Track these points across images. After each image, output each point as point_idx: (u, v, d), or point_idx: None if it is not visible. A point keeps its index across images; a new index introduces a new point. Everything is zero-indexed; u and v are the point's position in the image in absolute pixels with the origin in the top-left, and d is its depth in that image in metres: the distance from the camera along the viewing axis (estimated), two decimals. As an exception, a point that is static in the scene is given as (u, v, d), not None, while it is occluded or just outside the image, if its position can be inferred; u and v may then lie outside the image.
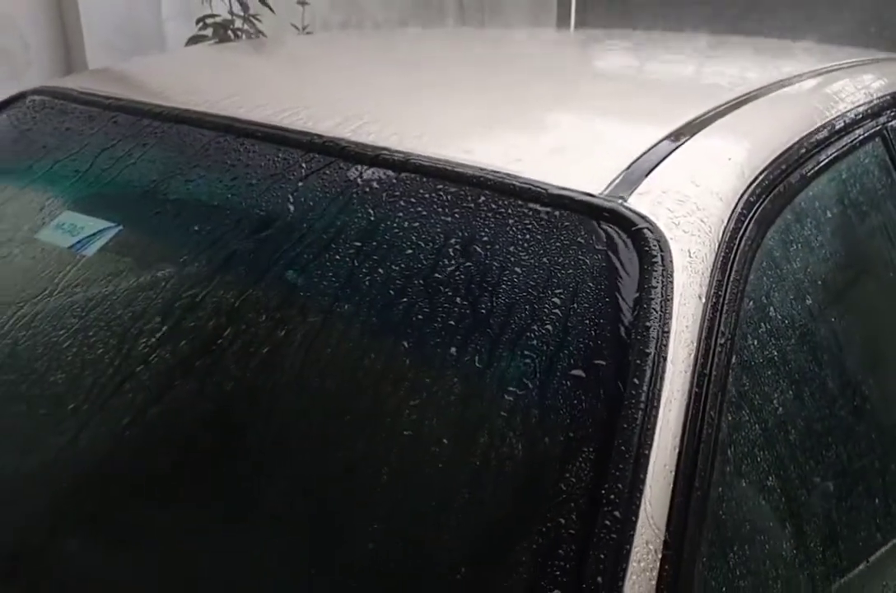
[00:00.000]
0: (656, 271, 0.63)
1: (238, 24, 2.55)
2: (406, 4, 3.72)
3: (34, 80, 2.46)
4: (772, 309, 0.71)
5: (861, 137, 1.00)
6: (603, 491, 0.52)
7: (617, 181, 0.72)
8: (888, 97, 1.13)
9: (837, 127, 0.97)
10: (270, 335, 0.71)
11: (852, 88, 1.13)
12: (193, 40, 2.48)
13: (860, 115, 1.03)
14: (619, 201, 0.69)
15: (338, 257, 0.70)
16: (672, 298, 0.61)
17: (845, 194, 0.91)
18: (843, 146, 0.95)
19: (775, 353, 0.69)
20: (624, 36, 1.87)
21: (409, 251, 0.69)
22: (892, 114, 1.12)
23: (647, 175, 0.73)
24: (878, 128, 1.05)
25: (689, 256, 0.65)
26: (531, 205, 0.70)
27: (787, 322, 0.72)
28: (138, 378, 0.73)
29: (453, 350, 0.64)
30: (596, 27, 3.77)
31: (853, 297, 0.87)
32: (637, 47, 1.63)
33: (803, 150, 0.83)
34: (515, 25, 3.84)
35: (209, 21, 2.49)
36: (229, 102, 0.93)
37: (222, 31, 2.47)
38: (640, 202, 0.69)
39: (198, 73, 1.16)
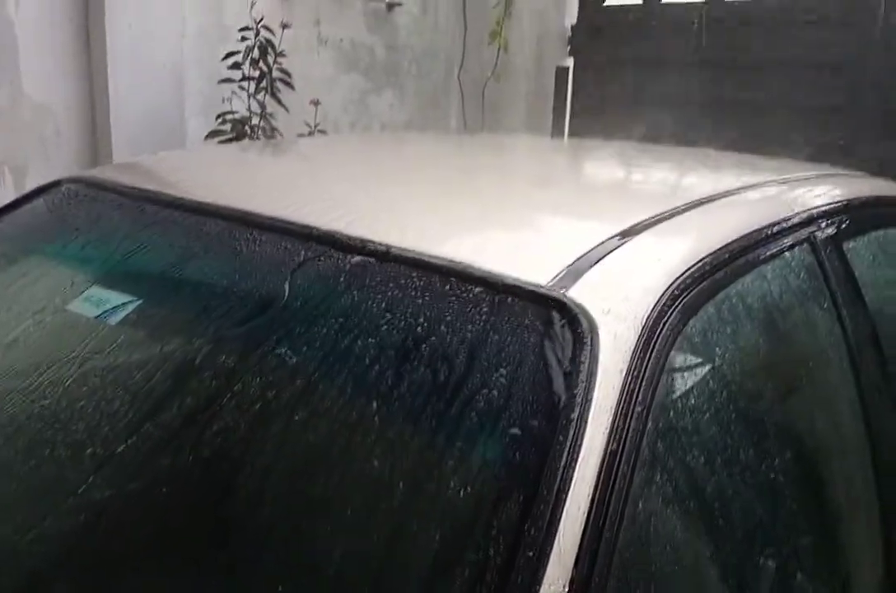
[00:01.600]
0: (586, 350, 0.76)
1: (255, 120, 2.78)
2: (412, 106, 4.01)
3: (63, 163, 2.68)
4: (689, 385, 0.84)
5: (789, 244, 1.15)
6: (525, 527, 0.63)
7: (562, 274, 0.85)
8: (822, 209, 1.28)
9: (766, 234, 1.11)
10: (270, 400, 0.84)
11: (788, 200, 1.28)
12: (212, 134, 2.70)
13: (790, 224, 1.17)
14: (562, 291, 0.82)
15: (325, 331, 0.84)
16: (597, 372, 0.74)
17: (768, 293, 1.05)
18: (770, 251, 1.09)
19: (689, 423, 0.81)
20: (603, 146, 2.06)
21: (386, 327, 0.83)
22: (823, 224, 1.27)
23: (588, 269, 0.87)
24: (806, 236, 1.20)
25: (615, 338, 0.78)
26: (489, 292, 0.84)
27: (702, 397, 0.85)
28: (152, 431, 0.85)
29: (417, 410, 0.77)
30: (588, 126, 4.03)
31: (766, 380, 0.99)
32: (610, 157, 1.82)
33: (727, 255, 0.97)
34: (512, 125, 4.11)
35: (228, 117, 2.73)
36: (242, 197, 1.09)
37: (240, 127, 2.70)
38: (579, 293, 0.82)
39: (216, 170, 1.33)
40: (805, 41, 3.45)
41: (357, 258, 0.90)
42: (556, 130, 4.19)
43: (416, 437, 0.74)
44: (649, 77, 3.91)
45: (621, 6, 4.07)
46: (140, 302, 0.95)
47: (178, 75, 2.75)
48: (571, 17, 4.19)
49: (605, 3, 4.13)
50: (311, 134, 2.93)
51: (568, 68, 4.21)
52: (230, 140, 2.70)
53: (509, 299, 0.82)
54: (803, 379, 1.07)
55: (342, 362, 0.81)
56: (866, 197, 1.50)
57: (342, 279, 0.88)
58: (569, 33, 4.21)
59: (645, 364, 0.78)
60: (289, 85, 2.81)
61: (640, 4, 4.00)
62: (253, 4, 2.77)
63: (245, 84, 2.75)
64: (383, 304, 0.84)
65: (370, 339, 0.82)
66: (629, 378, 0.76)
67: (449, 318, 0.82)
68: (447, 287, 0.85)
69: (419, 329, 0.81)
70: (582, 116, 4.17)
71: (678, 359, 0.83)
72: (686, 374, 0.84)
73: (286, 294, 0.87)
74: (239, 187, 1.16)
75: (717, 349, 0.91)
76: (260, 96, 2.78)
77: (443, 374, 0.77)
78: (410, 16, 3.87)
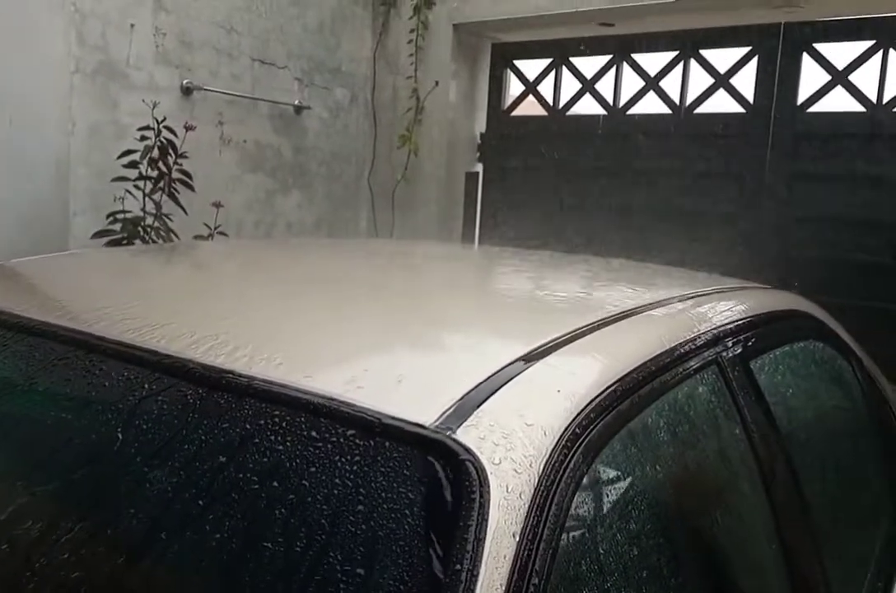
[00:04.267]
0: (473, 508, 0.64)
1: (149, 221, 2.64)
2: (322, 207, 3.96)
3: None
4: (594, 542, 0.72)
5: (696, 366, 1.08)
6: None
7: (449, 412, 0.74)
8: (728, 327, 1.24)
9: (675, 356, 1.04)
10: (89, 579, 0.68)
11: (695, 319, 1.23)
12: (100, 234, 2.54)
13: (697, 345, 1.11)
14: (448, 433, 0.71)
15: (162, 488, 0.69)
16: (485, 538, 0.62)
17: (676, 421, 0.97)
18: (678, 374, 1.02)
19: (596, 588, 0.69)
20: (509, 255, 2.02)
21: (238, 483, 0.69)
22: (730, 342, 1.21)
23: (478, 406, 0.76)
24: (713, 357, 1.13)
25: (507, 492, 0.66)
26: (364, 434, 0.72)
27: (610, 555, 0.73)
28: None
29: (271, 585, 0.63)
30: (498, 231, 4.07)
31: (684, 526, 0.89)
32: (516, 268, 1.76)
33: (632, 383, 0.88)
34: (423, 228, 4.11)
35: (119, 216, 2.58)
36: (93, 315, 0.95)
37: (131, 228, 2.55)
38: (467, 435, 0.71)
39: (76, 281, 1.18)
40: (703, 152, 3.61)
41: (212, 393, 0.77)
42: (467, 235, 4.20)
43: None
44: (556, 184, 4.01)
45: (528, 116, 4.21)
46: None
47: (63, 172, 2.61)
48: (480, 125, 4.30)
49: (513, 114, 4.26)
50: (210, 236, 2.81)
51: (478, 174, 4.28)
52: (121, 240, 2.54)
53: (386, 444, 0.70)
54: (718, 517, 0.98)
55: (182, 529, 0.67)
56: (771, 311, 1.47)
57: (190, 419, 0.74)
58: (478, 140, 4.30)
59: (543, 523, 0.66)
60: (189, 186, 2.70)
61: (545, 115, 4.14)
62: (156, 104, 2.70)
63: (141, 183, 2.63)
64: (236, 453, 0.71)
65: (219, 499, 0.68)
66: (524, 542, 0.64)
67: (313, 470, 0.69)
68: (314, 429, 0.72)
69: (277, 484, 0.68)
70: (492, 222, 4.21)
71: (580, 511, 0.72)
72: (590, 530, 0.73)
73: (119, 439, 0.73)
74: (95, 304, 1.02)
75: (624, 493, 0.81)
76: (156, 196, 2.65)
77: (297, 546, 0.63)
78: (319, 119, 3.88)
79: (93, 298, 1.06)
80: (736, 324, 1.27)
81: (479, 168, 4.30)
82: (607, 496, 0.78)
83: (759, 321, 1.36)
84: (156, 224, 2.62)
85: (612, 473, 0.81)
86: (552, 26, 3.84)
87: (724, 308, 1.35)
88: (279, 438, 0.72)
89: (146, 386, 0.79)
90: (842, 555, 1.37)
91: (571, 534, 0.70)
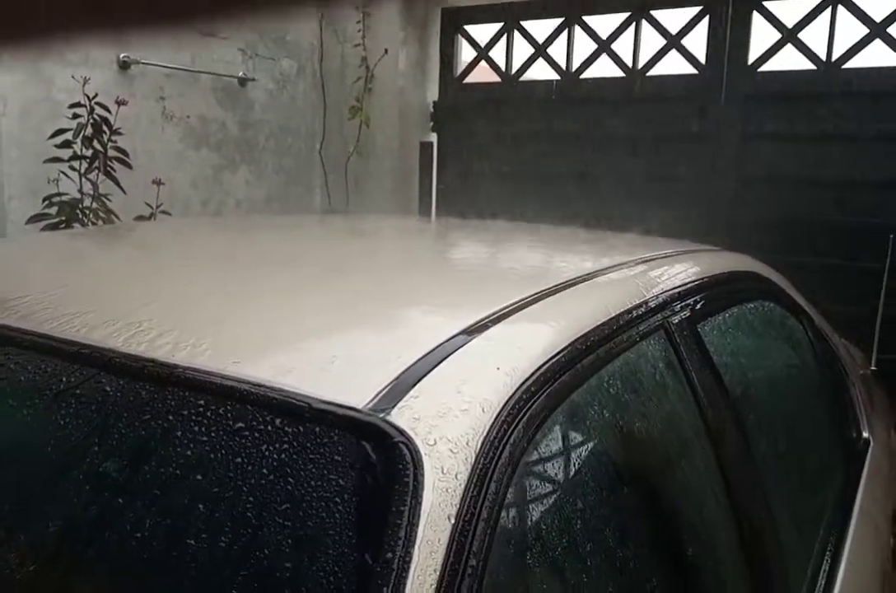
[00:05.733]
0: (406, 492, 0.62)
1: (87, 202, 2.55)
2: (272, 183, 3.88)
3: None
4: (537, 519, 0.71)
5: (643, 332, 1.06)
6: None
7: (383, 393, 0.72)
8: (675, 291, 1.22)
9: (620, 323, 1.02)
10: None
11: (642, 284, 1.21)
12: (35, 218, 2.45)
13: (644, 311, 1.09)
14: (381, 415, 0.68)
15: (80, 483, 0.66)
16: (419, 522, 0.60)
17: (623, 390, 0.95)
18: (623, 342, 1.00)
19: (537, 571, 0.68)
20: (461, 226, 1.99)
21: (157, 474, 0.66)
22: (677, 307, 1.20)
23: (413, 385, 0.73)
24: (660, 322, 1.12)
25: (443, 473, 0.64)
26: (293, 420, 0.69)
27: (554, 530, 0.72)
28: None
29: (199, 578, 0.60)
30: (454, 201, 4.02)
31: (631, 495, 0.88)
32: (467, 238, 1.73)
33: (572, 355, 0.86)
34: (378, 200, 4.05)
35: (55, 200, 2.49)
36: (12, 304, 0.90)
37: (69, 210, 2.46)
38: (401, 416, 0.69)
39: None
40: (656, 114, 3.59)
41: (133, 383, 0.73)
42: (423, 206, 4.15)
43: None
44: (512, 152, 3.96)
45: (481, 83, 4.14)
46: None
47: (-5, 155, 2.51)
48: (433, 93, 4.22)
49: (465, 81, 4.19)
50: (152, 216, 2.73)
51: (432, 143, 4.22)
52: (58, 224, 2.45)
53: (317, 429, 0.68)
54: (666, 485, 0.97)
55: (105, 526, 0.64)
56: (719, 273, 1.47)
57: (111, 412, 0.71)
58: (431, 109, 4.23)
59: (480, 503, 0.64)
60: (126, 164, 2.61)
61: (498, 82, 4.07)
62: (87, 80, 2.59)
63: (76, 164, 2.53)
64: (156, 446, 0.68)
65: (142, 494, 0.65)
66: (460, 524, 0.62)
67: (239, 461, 0.66)
68: (243, 416, 0.69)
69: (200, 477, 0.65)
70: (448, 192, 4.16)
71: (522, 488, 0.71)
72: (532, 506, 0.71)
73: (36, 435, 0.70)
74: (15, 292, 0.96)
75: (569, 466, 0.79)
76: (93, 176, 2.56)
77: (225, 538, 0.60)
78: (265, 91, 3.78)
79: (14, 287, 1.01)
80: (684, 287, 1.26)
81: (434, 137, 4.24)
82: (551, 470, 0.77)
83: (706, 284, 1.35)
84: (94, 205, 2.53)
85: (556, 446, 0.80)
86: (502, -11, 3.77)
87: (673, 272, 1.34)
88: (204, 429, 0.69)
89: (64, 378, 0.75)
90: (793, 512, 1.38)
91: (512, 512, 0.68)
